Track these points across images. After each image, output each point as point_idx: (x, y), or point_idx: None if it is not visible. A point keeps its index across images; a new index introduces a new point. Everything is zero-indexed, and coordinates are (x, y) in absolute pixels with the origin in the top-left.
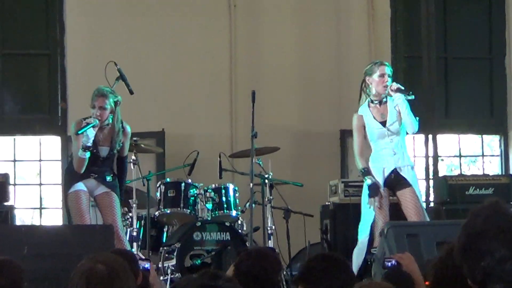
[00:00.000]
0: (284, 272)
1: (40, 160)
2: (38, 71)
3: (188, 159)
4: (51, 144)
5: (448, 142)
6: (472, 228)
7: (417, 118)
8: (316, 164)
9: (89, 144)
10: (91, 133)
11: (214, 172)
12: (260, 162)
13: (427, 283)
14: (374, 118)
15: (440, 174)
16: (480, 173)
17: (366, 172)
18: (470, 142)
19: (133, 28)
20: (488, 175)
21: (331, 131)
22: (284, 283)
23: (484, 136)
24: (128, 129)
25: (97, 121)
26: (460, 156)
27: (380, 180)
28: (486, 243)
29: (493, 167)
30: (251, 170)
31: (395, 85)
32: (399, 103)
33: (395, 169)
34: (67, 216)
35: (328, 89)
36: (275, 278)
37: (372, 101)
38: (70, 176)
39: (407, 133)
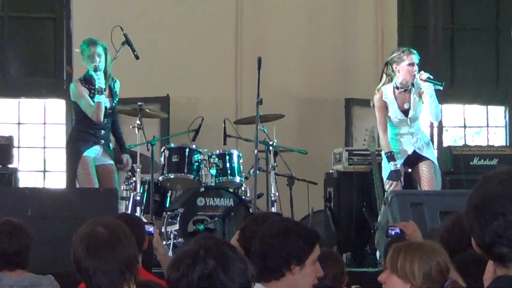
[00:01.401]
0: None
1: (44, 123)
2: (44, 35)
3: (192, 125)
4: (56, 107)
5: (453, 112)
6: (486, 190)
7: (440, 105)
8: (321, 132)
9: (103, 85)
10: (101, 75)
11: (218, 138)
12: (265, 129)
13: None
14: (398, 105)
15: (445, 145)
16: (485, 144)
17: (391, 157)
18: (475, 113)
19: None
20: (493, 146)
21: (336, 99)
22: None
23: (489, 106)
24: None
25: (102, 65)
26: (464, 126)
27: (399, 162)
28: (500, 205)
29: (498, 138)
30: (256, 136)
31: (425, 75)
32: (427, 92)
33: (414, 150)
34: (70, 182)
35: (334, 57)
36: None
37: (397, 87)
38: (77, 143)
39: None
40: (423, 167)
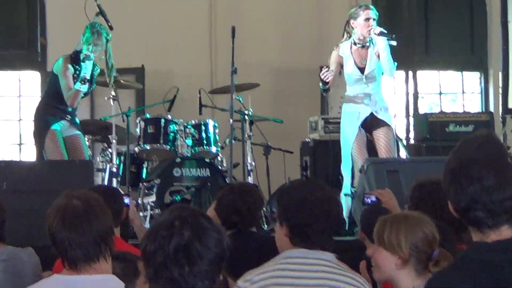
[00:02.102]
0: (264, 208)
1: (19, 96)
2: (17, 7)
3: (167, 95)
4: (31, 80)
5: (428, 79)
6: (464, 154)
7: (395, 63)
8: (296, 100)
9: (88, 76)
10: (90, 65)
11: (194, 108)
12: (240, 98)
13: None
14: (355, 62)
15: (421, 112)
16: (461, 110)
17: (328, 89)
18: (450, 79)
19: None
20: (469, 112)
21: (311, 67)
22: (264, 219)
23: (464, 73)
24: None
25: (93, 55)
26: (440, 93)
27: (356, 124)
28: (477, 170)
29: (473, 105)
30: (231, 106)
31: (378, 29)
32: (381, 47)
33: (371, 113)
34: (39, 154)
35: (308, 26)
36: (256, 214)
37: (355, 43)
38: (45, 114)
39: (382, 74)
40: (380, 134)
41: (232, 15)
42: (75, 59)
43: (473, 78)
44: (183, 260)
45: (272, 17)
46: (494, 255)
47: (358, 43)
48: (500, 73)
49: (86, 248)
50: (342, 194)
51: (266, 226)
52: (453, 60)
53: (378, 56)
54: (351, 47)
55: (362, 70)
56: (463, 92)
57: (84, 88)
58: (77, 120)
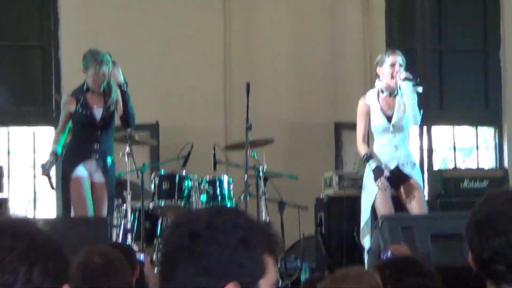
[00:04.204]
0: (279, 265)
1: (34, 152)
2: (33, 63)
3: (182, 151)
4: (45, 135)
5: (442, 134)
6: (491, 207)
7: (421, 111)
8: (311, 156)
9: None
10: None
11: (208, 164)
12: (255, 154)
13: None
14: (381, 110)
15: (435, 167)
16: (475, 166)
17: (370, 156)
18: (464, 134)
19: (127, 20)
20: (483, 168)
21: (326, 123)
22: (279, 275)
23: (478, 128)
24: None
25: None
26: (454, 148)
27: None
28: (503, 223)
29: (488, 160)
30: (246, 162)
31: (404, 74)
32: (406, 92)
33: (397, 165)
34: (62, 200)
35: (322, 82)
36: None
37: (382, 91)
38: (71, 156)
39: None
40: (410, 189)
41: (246, 70)
42: (76, 91)
43: (487, 133)
44: None
45: (287, 72)
46: None
47: (385, 91)
48: None
49: None
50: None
51: (281, 282)
52: (467, 115)
53: (405, 105)
54: (378, 95)
55: (389, 119)
56: (477, 148)
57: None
58: (109, 159)
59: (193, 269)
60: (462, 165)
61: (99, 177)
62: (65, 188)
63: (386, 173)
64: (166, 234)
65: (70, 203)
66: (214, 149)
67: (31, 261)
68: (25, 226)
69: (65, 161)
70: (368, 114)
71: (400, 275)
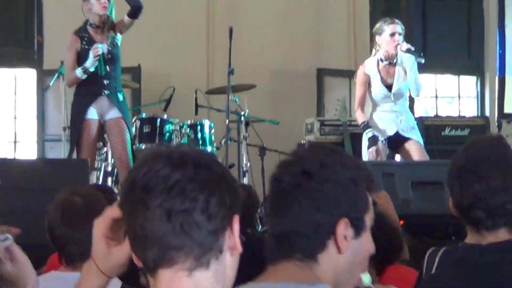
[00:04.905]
0: (259, 210)
1: (15, 94)
2: (15, 5)
3: (164, 95)
4: (27, 77)
5: (425, 82)
6: (474, 152)
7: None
8: (293, 102)
9: (92, 68)
10: (96, 63)
11: (189, 108)
12: (236, 99)
13: (401, 222)
14: (382, 79)
15: (416, 115)
16: (456, 114)
17: (367, 125)
18: (447, 83)
19: None
20: (464, 116)
21: (308, 69)
22: (258, 220)
23: (461, 77)
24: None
25: (105, 47)
26: (436, 97)
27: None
28: (485, 168)
29: (470, 109)
30: (227, 106)
31: (405, 45)
32: (407, 65)
33: (397, 131)
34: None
35: (306, 27)
36: (252, 215)
37: (381, 60)
38: (81, 99)
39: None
40: (411, 145)
41: (229, 15)
42: (79, 29)
43: (469, 82)
44: None
45: (270, 18)
46: (489, 256)
47: (385, 60)
48: (497, 78)
49: (84, 245)
50: None
51: (260, 227)
52: (450, 64)
53: (406, 73)
54: (377, 65)
55: (389, 87)
56: (459, 96)
57: (85, 77)
58: (119, 95)
59: (308, 206)
60: (443, 113)
61: (114, 113)
62: (74, 132)
63: (382, 139)
64: (276, 173)
65: (74, 147)
66: (195, 93)
67: (210, 191)
68: (206, 158)
69: (75, 105)
70: (367, 84)
71: None
